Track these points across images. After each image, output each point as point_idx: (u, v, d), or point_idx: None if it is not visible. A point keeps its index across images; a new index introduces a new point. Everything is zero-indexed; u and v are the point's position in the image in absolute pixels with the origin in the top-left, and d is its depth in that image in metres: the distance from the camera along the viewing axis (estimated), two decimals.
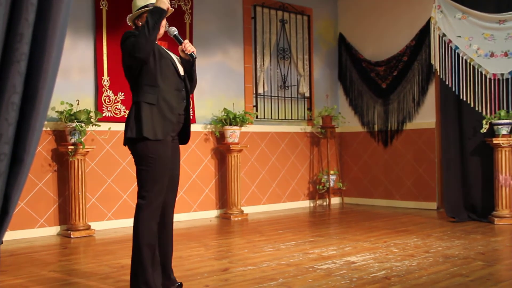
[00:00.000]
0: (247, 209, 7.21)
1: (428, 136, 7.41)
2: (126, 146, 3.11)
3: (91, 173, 5.91)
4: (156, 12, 2.99)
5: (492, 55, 6.18)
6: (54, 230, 5.69)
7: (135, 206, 3.08)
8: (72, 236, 5.44)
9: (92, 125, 5.63)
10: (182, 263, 4.14)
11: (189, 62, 3.23)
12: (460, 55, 6.31)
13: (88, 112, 5.56)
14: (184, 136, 3.29)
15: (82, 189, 5.57)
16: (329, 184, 7.86)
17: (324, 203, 8.18)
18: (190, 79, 3.28)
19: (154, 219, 3.03)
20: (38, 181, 5.60)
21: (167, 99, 3.04)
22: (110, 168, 6.06)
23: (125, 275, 3.65)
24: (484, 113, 6.19)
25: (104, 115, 5.98)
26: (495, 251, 4.47)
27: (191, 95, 3.33)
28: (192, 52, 3.16)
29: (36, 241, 5.30)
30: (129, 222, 6.11)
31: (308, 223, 6.51)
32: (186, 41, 3.19)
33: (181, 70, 3.20)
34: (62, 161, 5.71)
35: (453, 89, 6.34)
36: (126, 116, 6.14)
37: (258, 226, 6.16)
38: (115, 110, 6.10)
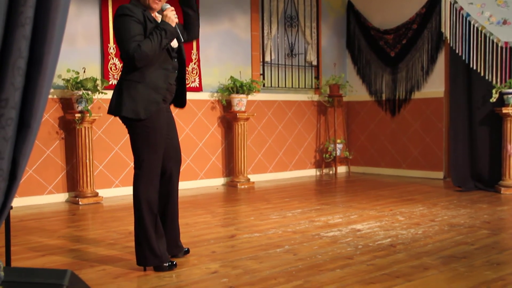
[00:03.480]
0: (253, 177, 7.24)
1: (436, 106, 7.36)
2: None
3: (98, 141, 5.93)
4: (171, 35, 2.97)
5: (505, 22, 6.08)
6: (63, 197, 5.75)
7: (133, 176, 3.10)
8: (80, 203, 5.50)
9: (99, 93, 5.62)
10: (188, 230, 4.19)
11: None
12: (471, 22, 6.21)
13: (95, 80, 5.54)
14: (180, 100, 3.26)
15: (89, 156, 5.61)
16: (336, 153, 7.86)
17: (331, 172, 8.20)
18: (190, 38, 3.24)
19: (152, 187, 3.04)
20: (46, 148, 5.63)
21: (152, 78, 2.99)
22: (116, 136, 6.08)
23: (132, 241, 3.66)
24: (494, 82, 6.12)
25: (110, 83, 5.96)
26: (500, 220, 4.48)
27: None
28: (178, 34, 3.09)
29: (45, 208, 5.37)
30: None
31: (314, 191, 6.54)
32: (169, 9, 3.04)
33: (174, 44, 3.14)
34: (69, 129, 5.73)
35: (463, 58, 6.27)
36: None
37: (265, 194, 6.20)
38: None
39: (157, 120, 3.02)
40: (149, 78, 2.98)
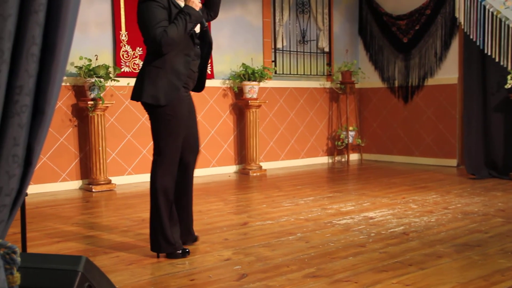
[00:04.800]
0: (265, 165, 7.24)
1: (450, 92, 7.29)
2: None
3: (111, 128, 5.96)
4: (196, 19, 2.95)
5: None
6: (76, 184, 5.79)
7: (151, 162, 3.11)
8: (93, 190, 5.53)
9: (111, 81, 5.63)
10: (201, 217, 4.20)
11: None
12: (486, 7, 6.12)
13: (107, 67, 5.55)
14: (198, 84, 3.25)
15: (102, 144, 5.63)
16: (348, 140, 7.83)
17: (343, 159, 8.18)
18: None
19: (170, 174, 3.05)
20: (60, 136, 5.67)
21: (174, 64, 2.98)
22: (129, 124, 6.10)
23: (145, 228, 3.73)
24: (509, 67, 6.04)
25: (122, 70, 5.98)
26: None
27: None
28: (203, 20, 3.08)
29: (59, 195, 5.42)
30: (149, 177, 6.19)
31: (327, 179, 6.53)
32: None
33: (197, 29, 3.12)
34: (82, 117, 5.76)
35: (478, 43, 6.19)
36: None
37: (277, 181, 6.20)
38: (134, 65, 6.09)
39: (178, 108, 3.01)
40: (170, 64, 2.97)
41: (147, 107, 3.03)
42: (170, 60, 2.96)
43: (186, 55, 3.03)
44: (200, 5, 3.01)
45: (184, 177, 3.24)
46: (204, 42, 3.19)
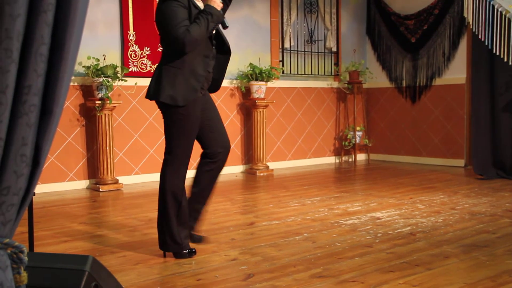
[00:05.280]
0: (272, 165, 7.24)
1: (458, 92, 7.26)
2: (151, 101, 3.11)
3: (118, 128, 5.98)
4: (217, 19, 2.95)
5: None
6: (84, 183, 5.82)
7: (162, 161, 3.12)
8: (100, 190, 5.55)
9: (119, 80, 5.65)
10: (208, 217, 4.20)
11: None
12: (495, 6, 6.08)
13: (115, 67, 5.57)
14: (214, 85, 3.25)
15: (109, 143, 5.65)
16: (355, 140, 7.81)
17: (350, 160, 8.16)
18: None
19: (180, 175, 3.05)
20: (67, 135, 5.69)
21: (193, 65, 2.98)
22: (136, 123, 6.11)
23: (152, 228, 3.73)
24: None
25: (130, 70, 5.99)
26: None
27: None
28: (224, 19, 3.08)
29: (66, 194, 5.44)
30: (156, 177, 6.19)
31: (334, 179, 6.52)
32: None
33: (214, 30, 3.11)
34: (90, 116, 5.78)
35: (486, 43, 6.15)
36: (152, 71, 6.13)
37: (284, 181, 6.19)
38: (141, 65, 6.11)
39: (193, 109, 3.01)
40: (189, 65, 2.97)
41: (163, 106, 3.03)
42: (189, 61, 2.96)
43: (205, 57, 3.04)
44: (221, 5, 3.00)
45: (212, 174, 3.18)
46: (225, 43, 3.19)
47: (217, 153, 3.18)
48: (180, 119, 2.99)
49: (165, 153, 3.08)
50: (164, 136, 3.12)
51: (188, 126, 3.02)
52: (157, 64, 3.11)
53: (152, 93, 3.01)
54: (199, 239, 3.31)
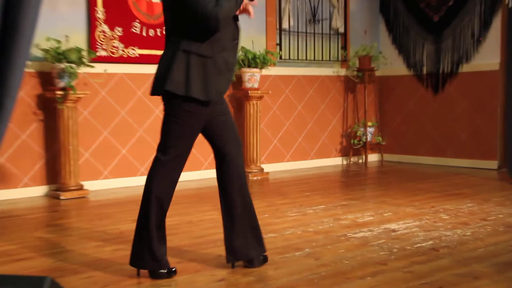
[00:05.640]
0: (268, 167, 7.25)
1: (489, 80, 7.29)
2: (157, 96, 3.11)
3: (84, 123, 5.95)
4: None
5: None
6: (41, 190, 5.80)
7: (152, 161, 3.12)
8: (62, 198, 5.53)
9: (85, 66, 5.62)
10: (191, 229, 4.20)
11: None
12: None
13: (80, 51, 5.55)
14: None
15: (73, 142, 5.63)
16: (366, 138, 7.83)
17: (360, 161, 8.18)
18: None
19: (171, 178, 3.07)
20: (21, 132, 5.67)
21: (224, 52, 3.02)
22: (106, 118, 6.09)
23: (124, 243, 3.73)
24: None
25: (98, 54, 5.97)
26: None
27: None
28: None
29: (20, 203, 5.41)
30: (129, 182, 6.21)
31: (341, 183, 6.52)
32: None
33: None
34: (49, 109, 5.75)
35: None
36: (127, 56, 6.12)
37: (281, 187, 6.20)
38: (112, 49, 6.09)
39: (203, 109, 3.03)
40: (220, 53, 3.01)
41: (172, 99, 3.01)
42: (219, 48, 3.00)
43: (233, 42, 3.09)
44: None
45: (229, 177, 3.21)
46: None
47: (227, 151, 3.22)
48: (185, 116, 3.01)
49: (159, 151, 3.09)
50: (161, 132, 3.11)
51: (193, 124, 3.05)
52: (166, 50, 3.06)
53: (181, 86, 2.96)
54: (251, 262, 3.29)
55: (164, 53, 3.09)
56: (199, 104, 3.00)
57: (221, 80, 3.04)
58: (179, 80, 2.96)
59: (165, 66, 3.02)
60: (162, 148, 3.08)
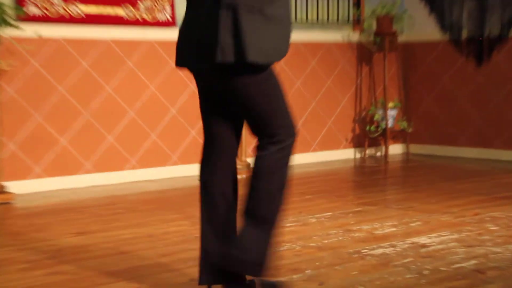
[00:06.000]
0: None
1: None
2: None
3: (9, 105, 5.91)
4: None
5: None
6: None
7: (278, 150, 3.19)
8: None
9: (9, 28, 5.58)
10: (154, 244, 4.19)
11: None
12: None
13: (1, 7, 5.49)
14: None
15: None
16: (387, 124, 7.83)
17: (378, 153, 8.24)
18: None
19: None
20: None
21: (283, 7, 3.19)
22: (40, 98, 6.06)
23: (64, 264, 3.71)
24: None
25: (28, 12, 5.93)
26: None
27: None
28: None
29: None
30: (68, 182, 6.21)
31: (353, 184, 6.55)
32: None
33: None
34: None
35: None
36: (69, 14, 6.07)
37: None
38: (46, 5, 6.06)
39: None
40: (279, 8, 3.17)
41: (246, 72, 3.05)
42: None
43: None
44: None
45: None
46: None
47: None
48: (277, 80, 3.18)
49: (280, 135, 3.16)
50: (256, 115, 3.14)
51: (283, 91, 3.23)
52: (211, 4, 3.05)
53: (231, 52, 2.95)
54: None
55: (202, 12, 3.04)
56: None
57: (284, 35, 3.31)
58: (235, 42, 2.98)
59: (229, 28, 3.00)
60: (284, 124, 3.17)
